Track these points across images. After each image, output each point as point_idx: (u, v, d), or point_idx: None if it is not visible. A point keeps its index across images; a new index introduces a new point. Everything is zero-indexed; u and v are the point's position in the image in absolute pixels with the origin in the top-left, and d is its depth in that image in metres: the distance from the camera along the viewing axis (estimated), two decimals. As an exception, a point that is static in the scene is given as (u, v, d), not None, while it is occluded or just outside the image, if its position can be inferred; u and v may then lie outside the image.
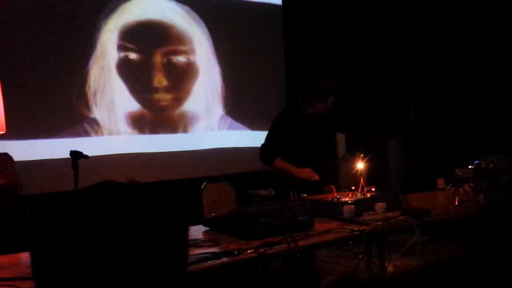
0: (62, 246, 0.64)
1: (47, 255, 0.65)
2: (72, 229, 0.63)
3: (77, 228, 0.63)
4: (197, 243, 2.37)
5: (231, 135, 5.81)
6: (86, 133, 4.86)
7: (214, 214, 2.98)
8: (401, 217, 2.71)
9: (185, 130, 5.49)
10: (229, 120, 5.81)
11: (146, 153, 5.20)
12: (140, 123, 5.20)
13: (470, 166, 3.65)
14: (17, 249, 2.45)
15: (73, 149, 2.88)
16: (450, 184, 3.64)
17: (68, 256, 0.64)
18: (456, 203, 3.19)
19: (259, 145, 3.71)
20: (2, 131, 3.33)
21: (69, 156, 3.17)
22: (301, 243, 2.34)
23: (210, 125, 5.69)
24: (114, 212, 0.62)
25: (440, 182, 3.75)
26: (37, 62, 4.64)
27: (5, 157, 3.90)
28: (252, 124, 5.88)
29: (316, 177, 3.39)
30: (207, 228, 2.76)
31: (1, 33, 4.46)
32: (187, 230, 0.71)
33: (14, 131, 4.21)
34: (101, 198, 0.64)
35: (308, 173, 3.40)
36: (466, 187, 3.45)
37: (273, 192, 4.52)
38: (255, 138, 5.77)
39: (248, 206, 2.62)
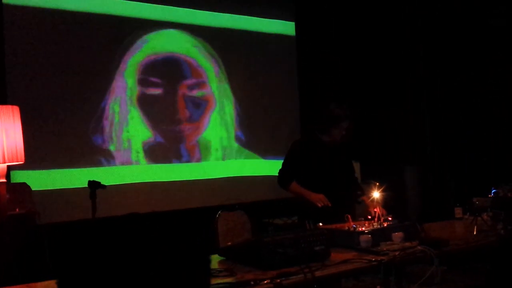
0: (90, 275, 0.65)
1: (74, 283, 0.66)
2: (101, 258, 0.64)
3: (106, 258, 0.64)
4: (212, 273, 2.36)
5: (246, 164, 5.83)
6: (103, 163, 4.91)
7: (229, 243, 2.96)
8: (419, 247, 2.67)
9: (200, 159, 5.52)
10: (244, 149, 5.84)
11: (161, 182, 5.23)
12: (156, 153, 5.25)
13: (488, 195, 3.60)
14: (34, 279, 2.46)
15: (91, 179, 2.91)
16: (468, 213, 3.58)
17: (94, 285, 0.65)
18: (475, 233, 3.14)
19: (274, 174, 3.76)
20: (21, 161, 3.39)
21: (85, 186, 3.20)
22: (318, 273, 2.31)
23: (225, 154, 5.72)
24: (140, 243, 0.64)
25: (458, 211, 3.70)
26: (56, 93, 4.74)
27: (23, 186, 3.95)
28: (267, 153, 5.90)
29: (328, 203, 3.40)
30: (222, 258, 2.74)
31: (22, 65, 4.58)
32: (209, 260, 0.71)
33: (32, 161, 4.28)
34: (128, 229, 0.65)
35: (321, 199, 3.42)
36: (484, 216, 3.39)
37: (288, 221, 4.51)
38: (270, 167, 5.80)
39: (264, 235, 2.60)
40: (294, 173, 3.63)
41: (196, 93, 5.59)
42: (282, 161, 3.76)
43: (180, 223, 0.75)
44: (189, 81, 5.54)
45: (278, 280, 2.22)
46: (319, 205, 3.43)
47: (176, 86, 5.44)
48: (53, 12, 4.75)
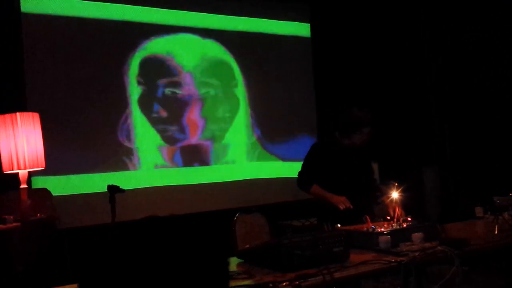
0: (110, 278, 0.66)
1: (94, 287, 0.67)
2: (120, 261, 0.65)
3: (125, 260, 0.65)
4: (231, 276, 2.36)
5: (263, 166, 5.83)
6: (120, 168, 4.96)
7: (247, 245, 2.96)
8: (439, 248, 2.64)
9: (217, 162, 5.54)
10: (261, 151, 5.84)
11: (179, 185, 5.26)
12: (174, 157, 5.28)
13: (509, 194, 3.55)
14: (55, 283, 2.49)
15: (110, 184, 2.94)
16: (489, 213, 3.53)
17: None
18: (496, 232, 3.09)
19: (291, 176, 3.75)
20: (41, 167, 3.44)
21: (104, 190, 3.23)
22: (337, 275, 2.30)
23: (242, 157, 5.73)
24: (160, 245, 0.64)
25: (479, 211, 3.65)
26: (75, 99, 4.80)
27: (44, 192, 4.01)
28: (283, 155, 5.90)
29: (350, 206, 3.40)
30: (240, 260, 2.74)
31: (41, 72, 4.65)
32: (227, 263, 0.72)
33: (52, 167, 4.33)
34: (148, 231, 0.66)
35: (343, 201, 3.42)
36: (506, 215, 3.34)
37: (306, 223, 4.49)
38: (287, 169, 5.80)
39: (282, 237, 2.60)
40: (314, 175, 3.62)
41: (209, 94, 5.61)
42: (299, 162, 3.75)
43: (199, 226, 0.76)
44: (201, 81, 5.56)
45: (297, 282, 2.21)
46: (341, 207, 3.42)
47: (190, 87, 5.47)
48: (70, 19, 4.82)
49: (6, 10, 4.55)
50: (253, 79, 5.88)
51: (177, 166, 5.30)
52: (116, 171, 4.92)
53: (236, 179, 5.62)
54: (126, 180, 4.86)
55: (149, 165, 5.14)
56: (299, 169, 3.73)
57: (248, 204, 4.74)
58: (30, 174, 3.93)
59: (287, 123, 6.03)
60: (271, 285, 2.19)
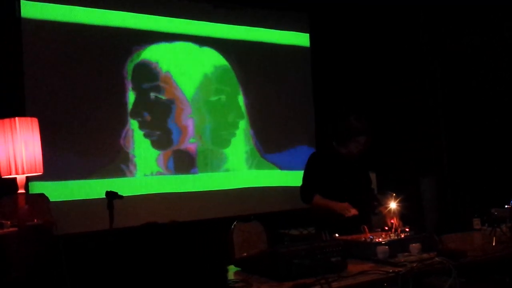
0: (107, 284, 0.66)
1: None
2: (118, 268, 0.65)
3: (123, 267, 0.65)
4: (228, 284, 2.35)
5: (261, 175, 5.82)
6: (118, 174, 4.95)
7: (245, 254, 2.95)
8: (437, 259, 2.64)
9: (215, 170, 5.54)
10: (259, 159, 5.84)
11: (177, 192, 5.25)
12: (172, 164, 5.27)
13: (506, 206, 3.55)
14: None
15: (108, 190, 2.93)
16: (487, 224, 3.54)
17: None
18: (494, 244, 3.10)
19: (290, 185, 3.75)
20: (39, 172, 3.43)
21: (102, 196, 3.23)
22: (334, 285, 2.30)
23: (240, 165, 5.72)
24: (158, 252, 0.64)
25: (476, 222, 3.65)
26: (74, 105, 4.81)
27: (41, 197, 4.00)
28: (282, 164, 5.90)
29: (354, 212, 3.40)
30: (238, 269, 2.74)
31: (40, 77, 4.66)
32: (226, 271, 0.72)
33: (50, 172, 4.33)
34: (146, 238, 0.66)
35: (346, 208, 3.42)
36: (504, 227, 3.35)
37: (304, 232, 4.49)
38: (285, 178, 5.79)
39: (280, 246, 2.59)
40: (314, 186, 3.61)
41: (207, 100, 5.62)
42: (298, 171, 3.75)
43: (197, 234, 0.76)
44: (201, 88, 5.57)
45: (294, 292, 2.21)
46: (347, 214, 3.41)
47: (189, 94, 5.47)
48: (69, 25, 4.83)
49: (6, 15, 4.56)
50: (252, 87, 5.89)
51: (175, 173, 5.29)
52: (114, 177, 4.91)
53: (234, 187, 5.62)
54: (124, 186, 4.86)
55: (147, 172, 5.14)
56: (298, 178, 3.73)
57: (246, 213, 4.74)
58: (28, 179, 3.92)
59: (286, 132, 6.03)
60: (268, 294, 2.19)
